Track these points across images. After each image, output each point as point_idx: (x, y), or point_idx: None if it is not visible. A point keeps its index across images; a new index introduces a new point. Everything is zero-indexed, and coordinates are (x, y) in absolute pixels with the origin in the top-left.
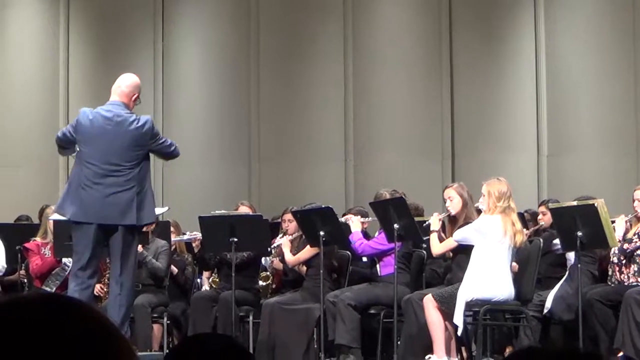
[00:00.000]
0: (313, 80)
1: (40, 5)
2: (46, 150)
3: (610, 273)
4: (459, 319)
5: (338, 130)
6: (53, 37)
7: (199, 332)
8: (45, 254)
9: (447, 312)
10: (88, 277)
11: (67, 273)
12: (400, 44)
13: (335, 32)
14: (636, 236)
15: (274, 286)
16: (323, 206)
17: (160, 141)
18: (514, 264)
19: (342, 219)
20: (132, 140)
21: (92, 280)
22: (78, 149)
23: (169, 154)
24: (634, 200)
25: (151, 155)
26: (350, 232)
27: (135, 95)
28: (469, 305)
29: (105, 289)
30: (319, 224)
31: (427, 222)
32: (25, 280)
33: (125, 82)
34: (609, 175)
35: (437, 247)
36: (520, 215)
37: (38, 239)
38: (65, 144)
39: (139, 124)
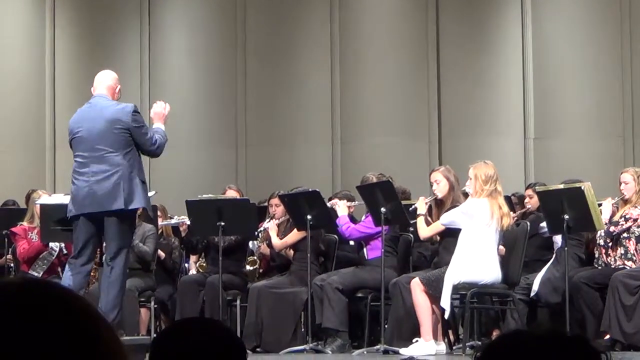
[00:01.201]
0: (300, 65)
1: None
2: (32, 136)
3: (596, 256)
4: (446, 302)
5: (325, 115)
6: (39, 26)
7: (185, 317)
8: (32, 239)
9: (434, 296)
10: (81, 265)
11: (53, 257)
12: (386, 29)
13: (322, 16)
14: (623, 219)
15: (261, 270)
16: (310, 190)
17: (143, 130)
18: (501, 247)
19: (329, 203)
20: (113, 119)
21: (86, 267)
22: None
23: (148, 149)
24: (620, 183)
25: None
26: (337, 215)
27: (118, 87)
28: (456, 289)
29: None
30: (305, 207)
31: (414, 206)
32: (12, 265)
33: (107, 76)
34: (596, 159)
35: (424, 230)
36: (507, 199)
37: (25, 224)
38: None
39: (120, 106)
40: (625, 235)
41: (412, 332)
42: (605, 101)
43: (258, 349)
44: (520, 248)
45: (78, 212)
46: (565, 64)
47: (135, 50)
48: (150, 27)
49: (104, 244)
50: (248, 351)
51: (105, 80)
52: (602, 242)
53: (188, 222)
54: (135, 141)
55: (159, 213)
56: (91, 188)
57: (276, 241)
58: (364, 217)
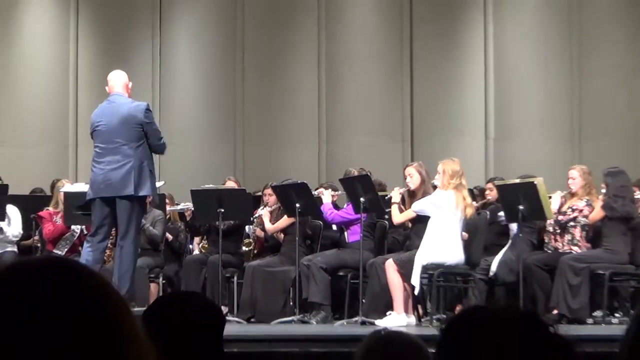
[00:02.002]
0: (291, 72)
1: (53, 4)
2: (57, 132)
3: (546, 241)
4: (415, 280)
5: (312, 116)
6: (64, 39)
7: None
8: (57, 222)
9: (405, 274)
10: (97, 242)
11: (75, 238)
12: (367, 41)
13: (311, 30)
14: (570, 209)
15: (255, 251)
16: (299, 182)
17: (153, 127)
18: (464, 233)
19: (315, 192)
20: (128, 115)
21: (102, 244)
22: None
23: (156, 143)
24: (568, 179)
25: None
26: (322, 204)
27: (130, 84)
28: (425, 269)
29: (109, 253)
30: (295, 197)
31: (389, 196)
32: (39, 245)
33: (120, 76)
34: (547, 157)
35: (398, 217)
36: (470, 191)
37: (50, 209)
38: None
39: (135, 104)
40: (571, 224)
41: (386, 306)
42: (557, 107)
43: (252, 320)
44: (481, 234)
45: (95, 195)
46: (522, 73)
47: (148, 61)
48: (161, 41)
49: (118, 225)
50: (243, 321)
51: (120, 80)
52: (551, 230)
53: (192, 209)
54: (146, 135)
55: (167, 200)
56: (106, 175)
57: (269, 226)
58: (345, 206)
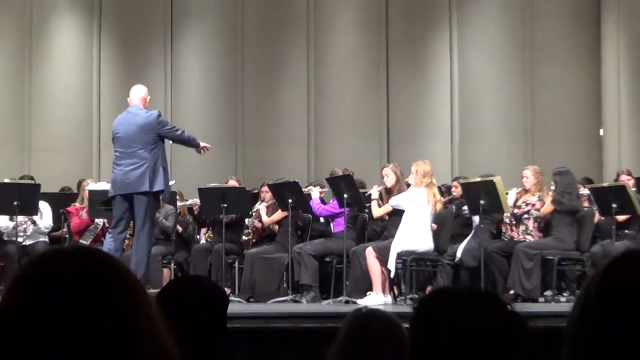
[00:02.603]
0: (283, 85)
1: (78, 21)
2: (82, 138)
3: (504, 231)
4: (391, 265)
5: (302, 123)
6: (88, 51)
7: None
8: (82, 216)
9: (383, 260)
10: (118, 233)
11: (98, 230)
12: (350, 59)
13: (301, 49)
14: (524, 204)
15: (254, 240)
16: (291, 180)
17: (168, 127)
18: (434, 224)
19: (305, 190)
20: (143, 125)
21: (121, 235)
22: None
23: (179, 138)
24: (522, 177)
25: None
26: (311, 199)
27: (149, 98)
28: (400, 255)
29: (127, 242)
30: (287, 193)
31: (368, 193)
32: (67, 236)
33: (140, 90)
34: (504, 158)
35: (377, 211)
36: (439, 188)
37: (77, 204)
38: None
39: (148, 114)
40: (525, 216)
41: (366, 287)
42: (512, 115)
43: (251, 299)
44: (448, 225)
45: (115, 192)
46: (482, 87)
47: (161, 75)
48: (172, 59)
49: (135, 219)
50: (243, 300)
51: (138, 93)
52: (508, 221)
53: (199, 204)
54: (164, 136)
55: (177, 197)
56: (125, 175)
57: (265, 219)
58: (331, 201)
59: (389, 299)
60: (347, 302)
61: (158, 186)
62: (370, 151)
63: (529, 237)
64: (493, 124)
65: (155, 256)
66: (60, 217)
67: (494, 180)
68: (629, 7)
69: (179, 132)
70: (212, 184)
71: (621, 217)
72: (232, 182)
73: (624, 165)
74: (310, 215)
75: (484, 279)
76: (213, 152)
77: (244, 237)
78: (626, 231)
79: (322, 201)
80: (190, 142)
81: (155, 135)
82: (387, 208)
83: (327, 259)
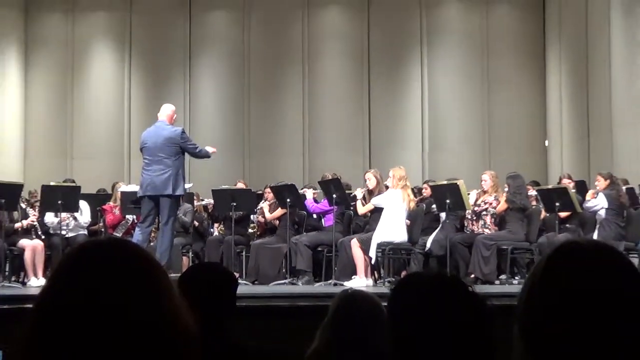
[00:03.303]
0: (282, 105)
1: (112, 52)
2: (115, 148)
3: (466, 225)
4: (372, 253)
5: (298, 137)
6: (120, 75)
7: (201, 262)
8: (116, 213)
9: (365, 249)
10: (145, 227)
11: (129, 224)
12: (337, 84)
13: (297, 73)
14: (482, 203)
15: (258, 233)
16: (289, 183)
17: (189, 143)
18: (407, 220)
19: (301, 191)
20: (168, 138)
21: (148, 229)
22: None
23: (193, 153)
24: (481, 181)
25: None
26: (306, 199)
27: (175, 116)
28: (379, 245)
29: (153, 235)
30: (286, 194)
31: (353, 194)
32: (103, 229)
33: (167, 108)
34: (466, 165)
35: (361, 208)
36: (412, 190)
37: (111, 203)
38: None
39: (174, 129)
40: (484, 213)
41: (351, 272)
42: (473, 129)
43: (256, 282)
44: (419, 220)
45: (144, 194)
46: (448, 105)
47: (181, 96)
48: (190, 80)
49: (160, 216)
50: (249, 283)
51: (166, 111)
52: (469, 217)
53: (213, 203)
54: (184, 149)
55: (194, 197)
56: (152, 179)
57: (268, 215)
58: (322, 200)
59: (370, 281)
60: (335, 284)
61: (179, 191)
62: (354, 159)
63: (486, 230)
64: (456, 136)
65: (176, 246)
66: (97, 214)
67: (458, 183)
68: (568, 42)
69: (197, 149)
70: (223, 186)
71: (563, 214)
72: (240, 185)
73: (565, 171)
74: (305, 212)
75: (449, 265)
76: (224, 159)
77: (250, 230)
78: (567, 225)
79: (315, 200)
80: (202, 157)
81: (178, 148)
82: (369, 206)
83: (319, 249)
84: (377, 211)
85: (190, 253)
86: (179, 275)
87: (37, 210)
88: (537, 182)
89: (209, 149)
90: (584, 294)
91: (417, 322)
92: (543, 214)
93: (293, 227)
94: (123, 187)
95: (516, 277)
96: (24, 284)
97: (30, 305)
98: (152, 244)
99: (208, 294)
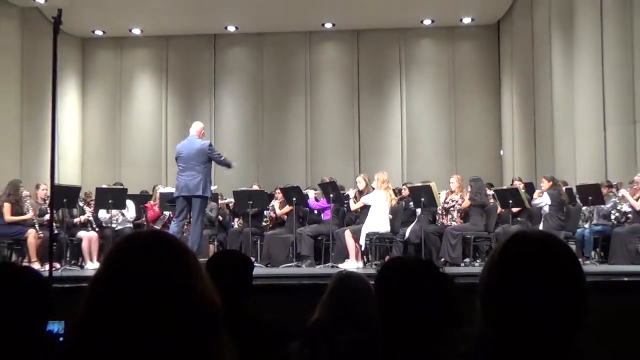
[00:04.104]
0: (289, 123)
1: (152, 79)
2: (154, 158)
3: (437, 219)
4: (362, 241)
5: (302, 148)
6: (158, 97)
7: (224, 249)
8: (155, 210)
9: (356, 238)
10: (179, 221)
11: (166, 219)
12: (333, 105)
13: (301, 96)
14: (450, 200)
15: (270, 225)
16: (295, 185)
17: (215, 153)
18: (390, 215)
19: (304, 192)
20: (199, 149)
21: (182, 222)
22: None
23: (218, 161)
24: (449, 183)
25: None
26: (308, 198)
27: (203, 132)
28: (367, 235)
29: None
30: (292, 194)
31: (346, 194)
32: (145, 223)
33: (197, 125)
34: (437, 170)
35: (353, 206)
36: (394, 190)
37: (151, 202)
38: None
39: (203, 142)
40: (452, 208)
41: (345, 256)
42: (442, 140)
43: (268, 265)
44: (399, 215)
45: (178, 194)
46: (421, 123)
47: (207, 112)
48: (215, 101)
49: (192, 212)
50: (263, 265)
51: (195, 127)
52: (440, 212)
53: (234, 201)
54: (211, 158)
55: (219, 196)
56: (186, 183)
57: (278, 211)
58: (321, 199)
59: (360, 264)
60: (332, 266)
61: (207, 193)
62: (347, 165)
63: (454, 223)
64: (429, 147)
65: (205, 237)
66: (140, 211)
67: (430, 185)
68: (518, 70)
69: (221, 157)
70: (242, 188)
71: (515, 209)
72: (255, 187)
73: (516, 174)
74: (308, 209)
75: (424, 251)
76: (242, 166)
77: (263, 223)
78: (518, 218)
79: (316, 199)
80: (225, 165)
81: (206, 157)
82: (359, 204)
83: (319, 238)
84: (366, 208)
85: (216, 242)
86: (207, 259)
87: (92, 207)
88: (491, 184)
89: (232, 163)
90: (532, 273)
91: (399, 296)
92: (499, 209)
93: (298, 220)
94: (161, 189)
95: (478, 261)
96: (81, 267)
97: (86, 284)
98: (184, 234)
99: (230, 275)
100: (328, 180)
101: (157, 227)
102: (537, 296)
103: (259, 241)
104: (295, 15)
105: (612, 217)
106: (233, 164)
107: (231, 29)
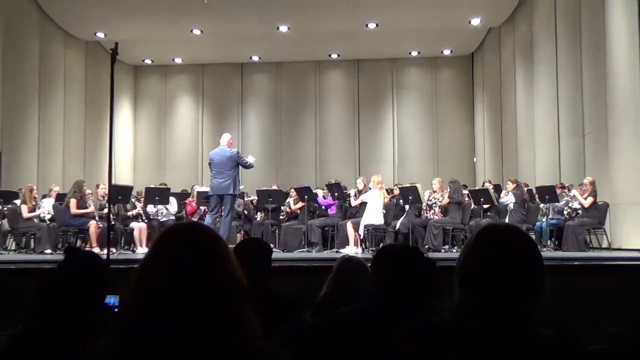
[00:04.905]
0: (302, 135)
1: (191, 98)
2: (192, 162)
3: (422, 213)
4: (361, 231)
5: (312, 155)
6: (195, 113)
7: (249, 237)
8: (193, 205)
9: (357, 229)
10: (213, 215)
11: (202, 213)
12: (337, 120)
13: (311, 113)
14: (433, 198)
15: (286, 218)
16: (306, 185)
17: (242, 159)
18: (384, 210)
19: (314, 191)
20: (229, 157)
21: (215, 215)
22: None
23: (245, 166)
24: (432, 184)
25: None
26: (318, 196)
27: (231, 142)
28: (366, 226)
29: (218, 220)
30: (304, 193)
31: (348, 193)
32: (185, 216)
33: (226, 136)
34: (422, 173)
35: (353, 202)
36: (387, 190)
37: (190, 199)
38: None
39: (232, 150)
40: (434, 205)
41: (347, 243)
42: (426, 150)
43: (285, 250)
44: (392, 210)
45: (213, 193)
46: (410, 135)
47: (236, 125)
48: (242, 117)
49: (223, 207)
50: (280, 251)
51: (225, 138)
52: (424, 208)
53: (257, 198)
54: (238, 164)
55: (245, 194)
56: (219, 184)
57: (293, 207)
58: (328, 197)
59: (359, 250)
60: (337, 252)
61: (236, 191)
62: (349, 170)
63: (435, 217)
64: (416, 155)
65: (233, 227)
66: (181, 206)
67: (417, 186)
68: (488, 91)
69: (247, 163)
70: (263, 188)
71: (485, 206)
72: (274, 187)
73: (487, 177)
74: (317, 205)
75: (411, 240)
76: (263, 170)
77: (281, 217)
78: (488, 213)
79: (323, 197)
80: (249, 168)
81: (235, 163)
82: (359, 201)
83: (326, 228)
84: (364, 204)
85: (242, 231)
86: (234, 246)
87: (142, 203)
88: (466, 186)
89: (251, 158)
90: (499, 255)
91: (391, 276)
92: (473, 206)
93: (309, 214)
94: (198, 188)
95: (455, 248)
96: (133, 251)
97: (137, 265)
98: (217, 225)
99: (253, 258)
100: (333, 182)
101: (195, 219)
102: (504, 273)
103: (277, 231)
104: (307, 47)
105: (565, 212)
106: (253, 160)
107: (255, 58)
